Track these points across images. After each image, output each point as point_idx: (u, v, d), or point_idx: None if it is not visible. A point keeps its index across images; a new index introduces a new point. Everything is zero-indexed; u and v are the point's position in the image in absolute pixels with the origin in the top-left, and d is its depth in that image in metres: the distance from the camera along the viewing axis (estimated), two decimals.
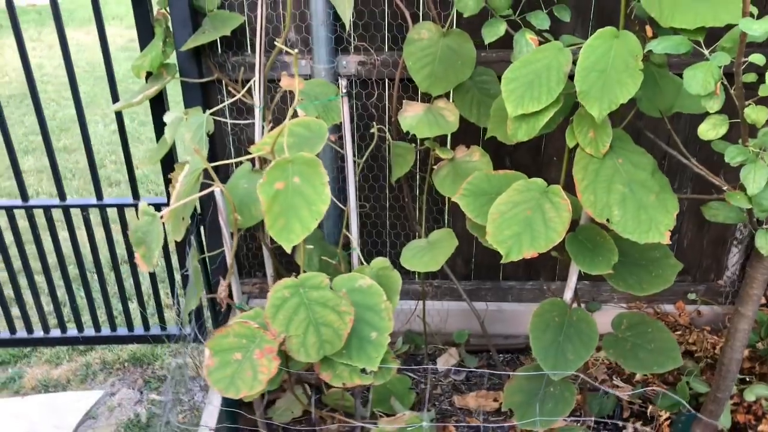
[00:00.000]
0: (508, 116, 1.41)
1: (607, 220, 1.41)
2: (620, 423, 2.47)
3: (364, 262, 1.96)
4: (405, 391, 2.49)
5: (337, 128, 2.22)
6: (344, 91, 1.83)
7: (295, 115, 1.89)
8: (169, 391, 2.29)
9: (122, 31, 7.95)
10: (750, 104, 1.14)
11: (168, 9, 2.18)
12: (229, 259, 1.82)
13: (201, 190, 1.81)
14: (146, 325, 2.85)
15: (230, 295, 1.95)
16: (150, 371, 2.90)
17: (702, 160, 1.79)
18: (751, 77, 1.15)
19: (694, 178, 2.45)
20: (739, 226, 2.69)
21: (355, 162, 2.01)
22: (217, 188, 1.72)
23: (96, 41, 7.74)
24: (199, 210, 2.48)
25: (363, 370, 1.61)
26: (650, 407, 2.48)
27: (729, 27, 1.14)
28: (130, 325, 2.85)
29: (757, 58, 1.08)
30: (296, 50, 1.67)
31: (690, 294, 2.79)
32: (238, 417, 2.41)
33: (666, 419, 2.41)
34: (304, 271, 1.70)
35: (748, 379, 2.46)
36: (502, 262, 1.47)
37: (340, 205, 2.23)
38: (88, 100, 5.91)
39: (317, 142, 1.79)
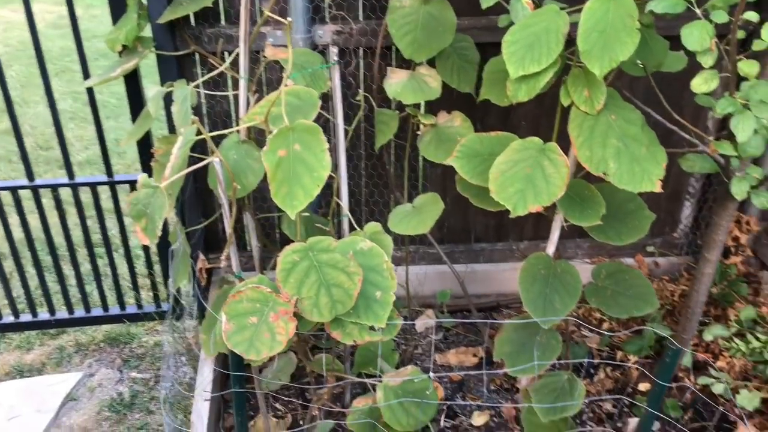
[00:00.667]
0: (509, 78, 1.48)
1: (604, 173, 1.51)
2: (592, 369, 2.63)
3: (357, 227, 2.02)
4: (389, 353, 2.57)
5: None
6: (335, 59, 1.86)
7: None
8: (169, 365, 2.30)
9: (50, 7, 7.60)
10: (741, 59, 1.25)
11: None
12: (229, 228, 1.84)
13: (189, 164, 1.82)
14: (122, 305, 2.82)
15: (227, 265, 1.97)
16: (128, 350, 2.88)
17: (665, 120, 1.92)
18: (741, 34, 1.26)
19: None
20: (692, 182, 2.88)
21: (344, 129, 2.05)
22: (216, 158, 1.73)
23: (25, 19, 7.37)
24: None
25: (371, 328, 1.67)
26: (618, 353, 2.66)
27: None
28: (105, 306, 2.81)
29: (752, 15, 1.19)
30: (289, 19, 1.69)
31: (648, 247, 2.97)
32: (229, 386, 2.44)
33: (634, 363, 2.58)
34: (290, 240, 1.74)
35: (706, 321, 2.66)
36: (510, 216, 1.56)
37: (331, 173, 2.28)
38: (24, 80, 5.66)
39: (310, 110, 1.83)
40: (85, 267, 3.26)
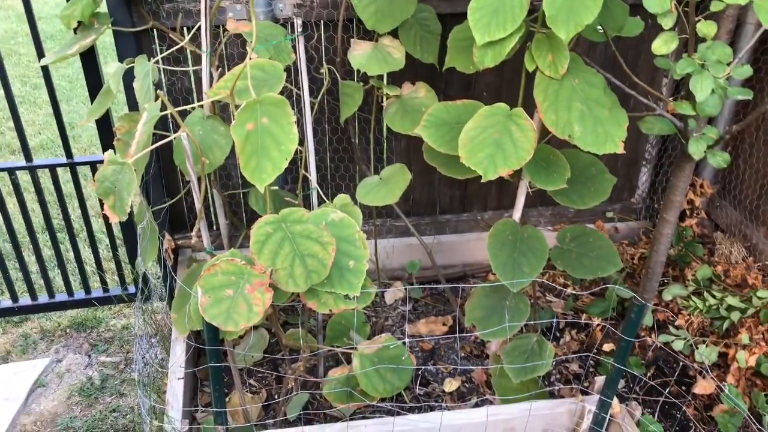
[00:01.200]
0: (475, 44, 1.50)
1: (569, 136, 1.55)
2: (558, 333, 2.71)
3: (327, 200, 2.02)
4: (360, 325, 2.59)
5: None
6: (299, 30, 1.86)
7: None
8: (140, 344, 2.29)
9: None
10: (699, 20, 1.30)
11: None
12: (198, 204, 1.83)
13: (152, 141, 1.79)
14: (87, 289, 2.78)
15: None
16: (95, 334, 2.84)
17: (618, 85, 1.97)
18: None
19: None
20: (648, 148, 2.96)
21: (310, 102, 2.04)
22: (183, 133, 1.72)
23: None
24: None
25: (346, 296, 1.69)
26: (583, 316, 2.74)
27: None
28: (69, 291, 2.77)
29: None
30: None
31: (607, 213, 3.05)
32: (201, 365, 2.45)
33: (598, 325, 2.67)
34: (257, 217, 1.74)
35: (664, 282, 2.76)
36: (481, 181, 1.59)
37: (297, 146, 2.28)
38: None
39: (275, 83, 1.82)
40: (47, 252, 3.19)
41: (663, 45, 1.35)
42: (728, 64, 1.39)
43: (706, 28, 1.32)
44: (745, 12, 2.43)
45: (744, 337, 2.37)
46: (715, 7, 1.26)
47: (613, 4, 1.53)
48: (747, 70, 1.43)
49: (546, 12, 1.37)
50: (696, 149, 1.63)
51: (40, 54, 2.28)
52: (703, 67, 1.35)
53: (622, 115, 1.55)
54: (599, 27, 1.62)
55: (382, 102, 2.30)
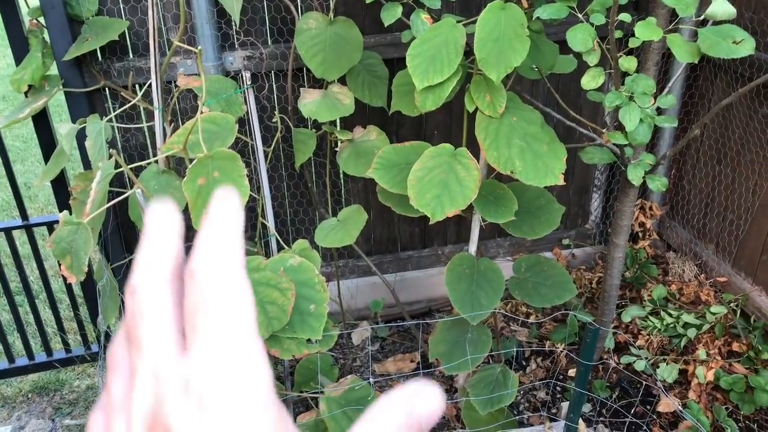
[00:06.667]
0: (416, 89, 1.57)
1: (511, 171, 1.61)
2: (524, 361, 2.75)
3: (285, 246, 2.05)
4: (328, 368, 2.60)
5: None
6: (248, 83, 1.91)
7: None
8: None
9: None
10: (621, 55, 1.38)
11: (42, 19, 2.12)
12: None
13: (109, 199, 1.81)
14: (48, 351, 2.73)
15: None
16: (58, 397, 2.79)
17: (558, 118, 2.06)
18: (618, 34, 1.39)
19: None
20: (597, 175, 3.06)
21: (264, 151, 2.08)
22: (138, 189, 1.74)
23: None
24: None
25: (308, 341, 1.71)
26: (547, 343, 2.79)
27: None
28: (30, 354, 2.72)
29: (625, 17, 1.32)
30: (199, 47, 1.72)
31: (564, 240, 3.13)
32: None
33: (562, 351, 2.72)
34: None
35: (622, 304, 2.83)
36: (430, 223, 1.64)
37: (254, 195, 2.31)
38: None
39: (227, 135, 1.86)
40: (6, 317, 3.13)
41: (591, 80, 1.43)
42: (654, 95, 1.48)
43: (627, 63, 1.40)
44: None
45: (701, 352, 2.44)
46: (632, 43, 1.35)
47: (543, 45, 1.62)
48: (671, 100, 1.52)
49: (477, 56, 1.44)
50: (634, 176, 1.71)
51: None
52: (630, 99, 1.43)
53: (561, 148, 1.62)
54: (534, 66, 1.71)
55: (336, 146, 2.35)
